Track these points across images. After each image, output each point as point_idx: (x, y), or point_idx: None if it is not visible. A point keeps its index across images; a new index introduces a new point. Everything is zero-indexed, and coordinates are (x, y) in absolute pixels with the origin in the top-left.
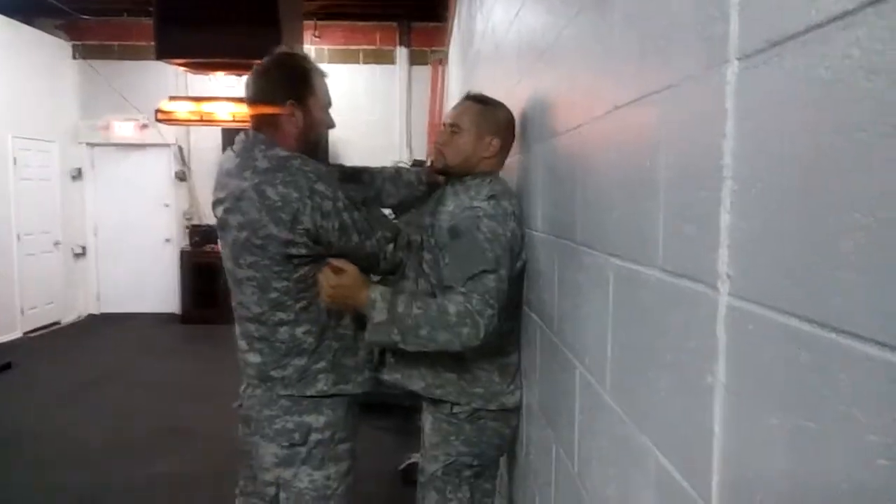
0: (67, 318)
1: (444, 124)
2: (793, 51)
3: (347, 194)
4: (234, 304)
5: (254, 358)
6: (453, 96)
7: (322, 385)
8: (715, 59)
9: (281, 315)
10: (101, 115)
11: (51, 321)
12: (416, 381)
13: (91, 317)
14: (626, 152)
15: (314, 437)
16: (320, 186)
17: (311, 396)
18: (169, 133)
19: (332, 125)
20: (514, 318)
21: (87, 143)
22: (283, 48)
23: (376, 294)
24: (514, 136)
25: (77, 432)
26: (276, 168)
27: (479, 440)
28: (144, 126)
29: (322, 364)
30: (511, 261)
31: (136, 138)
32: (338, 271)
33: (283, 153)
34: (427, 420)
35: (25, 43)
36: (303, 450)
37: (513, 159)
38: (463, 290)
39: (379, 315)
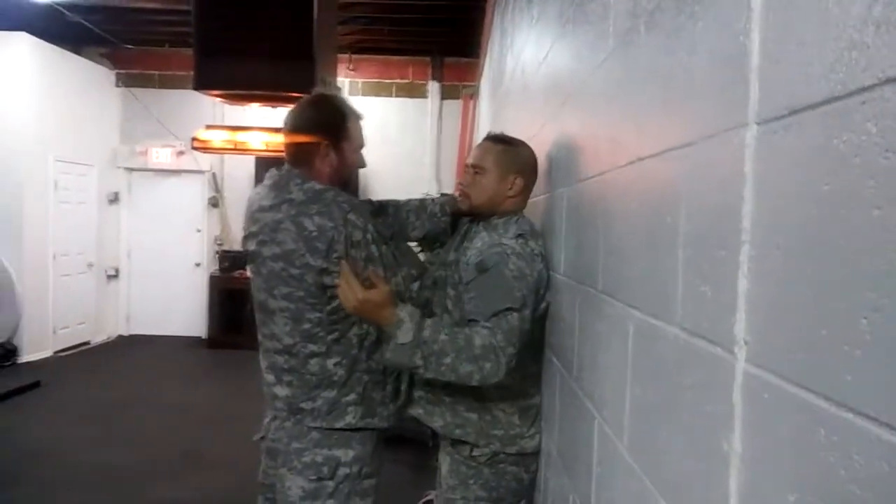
0: (97, 338)
1: (467, 166)
2: (812, 120)
3: (377, 228)
4: (261, 336)
5: (282, 391)
6: (483, 131)
7: (350, 418)
8: (734, 120)
9: (312, 347)
10: (140, 141)
11: (81, 341)
12: (437, 419)
13: (120, 338)
14: (648, 205)
15: (342, 471)
16: (352, 216)
17: (341, 429)
18: (204, 160)
19: (362, 165)
20: (537, 361)
21: (126, 168)
22: (320, 89)
23: (404, 314)
24: (536, 174)
25: (98, 453)
26: (311, 200)
27: (498, 485)
28: (181, 153)
29: (352, 396)
30: (535, 302)
31: (172, 164)
32: (370, 284)
33: (319, 186)
34: (445, 461)
35: (72, 70)
36: (330, 484)
37: (538, 199)
38: (488, 325)
39: (404, 336)
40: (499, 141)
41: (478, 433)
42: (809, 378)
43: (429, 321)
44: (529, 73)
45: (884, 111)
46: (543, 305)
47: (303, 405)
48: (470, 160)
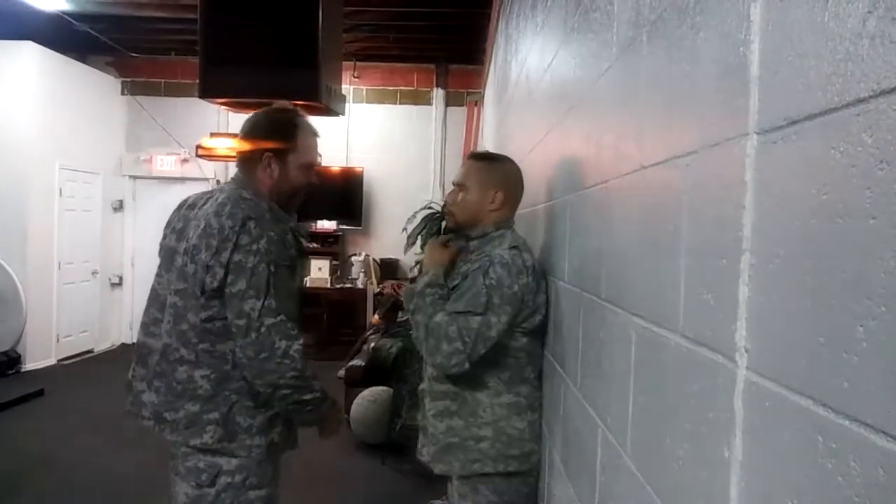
0: (101, 346)
1: (453, 184)
2: (810, 131)
3: (274, 250)
4: (142, 335)
5: (149, 398)
6: (488, 137)
7: (208, 437)
8: (735, 130)
9: (183, 352)
10: (144, 149)
11: (84, 349)
12: (454, 464)
13: (123, 346)
14: (651, 213)
15: (224, 479)
16: (251, 224)
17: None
18: (208, 168)
19: (312, 182)
20: (536, 375)
21: (130, 176)
22: (280, 103)
23: (433, 276)
24: (520, 188)
25: (102, 461)
26: (230, 202)
27: (508, 488)
28: (185, 160)
29: (214, 415)
30: (515, 312)
31: (176, 172)
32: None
33: (247, 194)
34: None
35: (78, 79)
36: (210, 492)
37: (539, 207)
38: (449, 310)
39: (419, 284)
40: (480, 158)
41: (496, 458)
42: (808, 385)
43: (441, 292)
44: (534, 80)
45: (878, 123)
46: (538, 318)
47: (166, 415)
48: (455, 178)
